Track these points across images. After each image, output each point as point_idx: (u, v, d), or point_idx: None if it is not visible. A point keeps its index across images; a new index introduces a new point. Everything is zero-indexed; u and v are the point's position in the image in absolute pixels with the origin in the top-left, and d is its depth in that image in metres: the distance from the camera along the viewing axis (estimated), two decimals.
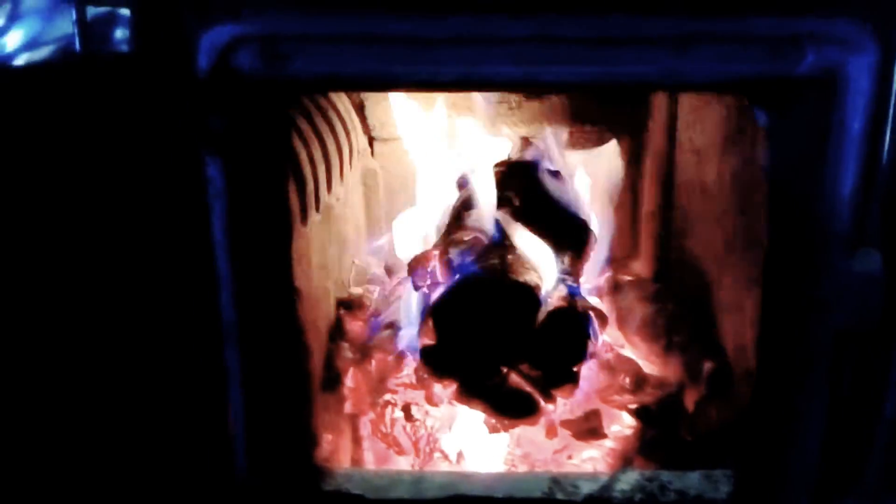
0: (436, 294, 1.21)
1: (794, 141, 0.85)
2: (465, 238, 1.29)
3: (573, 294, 1.19)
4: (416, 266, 1.26)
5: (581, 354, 1.16)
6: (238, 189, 0.86)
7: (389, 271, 1.86)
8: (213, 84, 0.79)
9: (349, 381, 1.40)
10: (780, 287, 0.91)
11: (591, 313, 1.18)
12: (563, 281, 1.22)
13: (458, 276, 1.18)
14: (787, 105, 0.84)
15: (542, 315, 1.15)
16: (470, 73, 0.80)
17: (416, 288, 1.27)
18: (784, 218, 0.89)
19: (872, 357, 0.87)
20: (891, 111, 0.78)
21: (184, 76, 0.78)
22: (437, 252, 1.27)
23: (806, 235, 0.86)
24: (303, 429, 1.02)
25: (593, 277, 1.63)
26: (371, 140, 2.15)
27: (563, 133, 1.93)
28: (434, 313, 1.16)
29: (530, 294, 1.14)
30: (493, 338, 1.15)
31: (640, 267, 2.06)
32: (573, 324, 1.15)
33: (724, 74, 0.80)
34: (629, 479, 1.00)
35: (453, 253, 1.24)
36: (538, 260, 1.23)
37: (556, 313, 1.14)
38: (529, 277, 1.17)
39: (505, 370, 1.17)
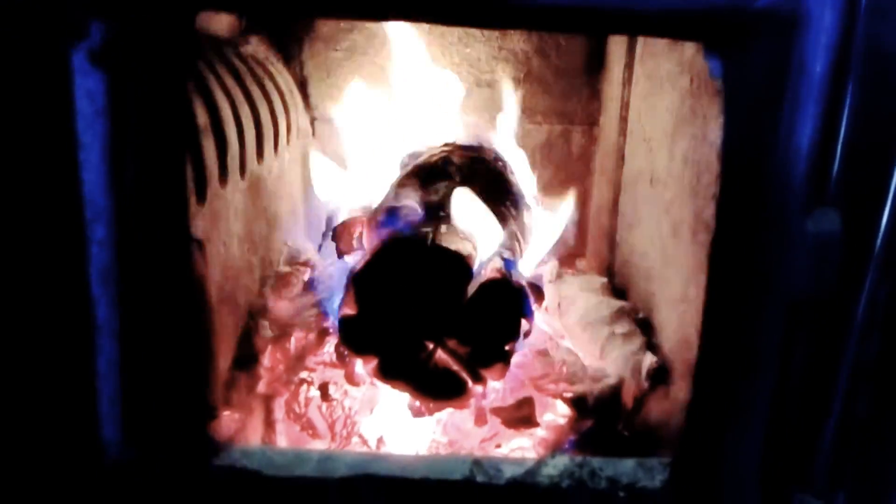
0: (360, 261, 1.10)
1: (750, 89, 0.77)
2: (398, 206, 1.19)
3: (508, 267, 1.09)
4: (343, 232, 1.16)
5: (514, 331, 1.06)
6: (125, 110, 0.74)
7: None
8: None
9: (266, 359, 1.29)
10: (730, 253, 0.83)
11: (527, 288, 1.08)
12: (498, 254, 1.12)
13: (383, 242, 1.07)
14: (742, 47, 0.76)
15: (473, 287, 1.05)
16: None
17: (340, 255, 1.17)
18: (736, 178, 0.81)
19: (826, 332, 0.80)
20: (855, 53, 0.71)
21: None
22: (364, 219, 1.17)
23: (759, 195, 0.78)
24: (196, 397, 0.90)
25: (536, 266, 1.56)
26: (313, 120, 2.07)
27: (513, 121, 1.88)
28: (356, 281, 1.06)
29: (461, 263, 1.04)
30: (419, 309, 1.05)
31: (588, 263, 2.00)
32: (506, 298, 1.05)
33: (676, 4, 0.72)
34: (557, 464, 0.91)
35: (382, 219, 1.14)
36: (473, 230, 1.14)
37: (488, 286, 1.05)
38: (462, 246, 1.07)
39: (431, 346, 1.07)
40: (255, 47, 1.84)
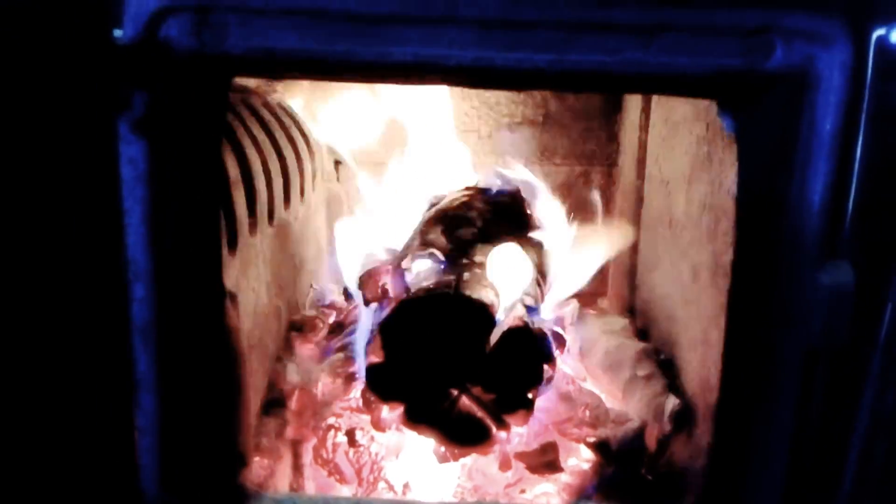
0: (386, 310, 1.13)
1: (762, 145, 0.80)
2: (422, 254, 1.22)
3: (531, 314, 1.12)
4: (368, 280, 1.19)
5: (537, 378, 1.08)
6: (163, 175, 0.79)
7: (349, 297, 1.80)
8: (137, 56, 0.73)
9: (293, 404, 1.31)
10: (746, 303, 0.85)
11: (549, 335, 1.11)
12: (521, 301, 1.15)
13: (409, 291, 1.10)
14: (754, 106, 0.79)
15: (496, 335, 1.08)
16: (419, 54, 0.74)
17: (367, 303, 1.20)
18: (751, 230, 0.84)
19: (843, 381, 0.81)
20: (864, 112, 0.73)
21: (102, 42, 0.72)
22: (390, 266, 1.20)
23: (774, 247, 0.80)
24: (228, 446, 0.93)
25: (557, 308, 1.57)
26: (337, 164, 2.12)
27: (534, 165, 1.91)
28: (382, 330, 1.09)
29: (484, 312, 1.07)
30: (444, 357, 1.08)
31: (609, 303, 2.01)
32: (529, 345, 1.07)
33: (690, 68, 0.75)
34: None
35: (407, 267, 1.17)
36: (496, 277, 1.16)
37: (511, 333, 1.07)
38: (485, 295, 1.10)
39: (455, 393, 1.09)
40: (281, 94, 1.89)
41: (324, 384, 1.32)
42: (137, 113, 0.76)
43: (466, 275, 1.16)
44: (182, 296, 0.83)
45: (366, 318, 1.26)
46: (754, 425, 0.87)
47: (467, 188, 1.66)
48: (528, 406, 1.08)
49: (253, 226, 1.29)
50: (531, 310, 1.15)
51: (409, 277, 1.17)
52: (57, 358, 0.79)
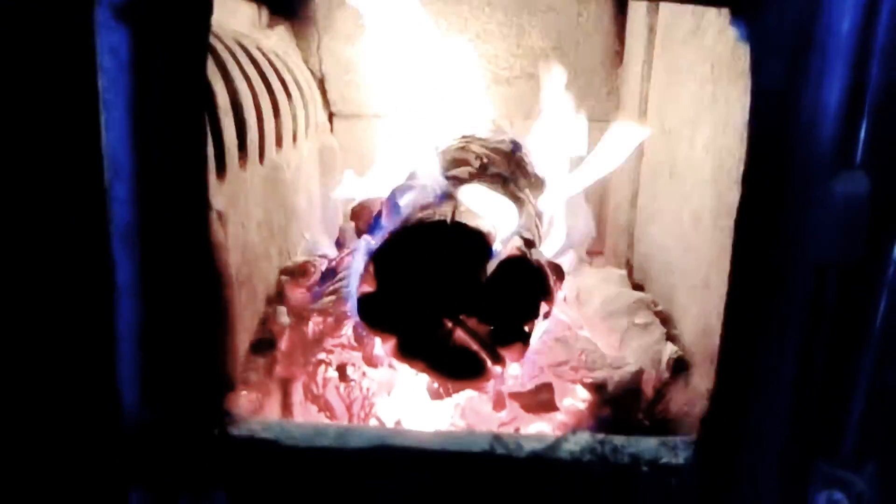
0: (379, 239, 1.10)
1: (776, 51, 0.76)
2: (417, 187, 1.18)
3: (529, 245, 1.08)
4: (361, 212, 1.16)
5: (534, 310, 1.05)
6: (147, 68, 0.75)
7: (341, 246, 1.76)
8: None
9: (283, 344, 1.28)
10: (756, 220, 0.81)
11: (547, 267, 1.07)
12: (518, 234, 1.12)
13: (403, 219, 1.07)
14: (768, 9, 0.75)
15: (493, 265, 1.04)
16: None
17: (359, 234, 1.16)
18: (763, 142, 0.80)
19: (854, 298, 0.78)
20: (883, 9, 0.70)
21: None
22: (384, 198, 1.16)
23: (787, 157, 0.77)
24: (213, 367, 0.89)
25: (555, 257, 1.54)
26: (331, 116, 2.08)
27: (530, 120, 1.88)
28: (376, 259, 1.05)
29: (481, 240, 1.03)
30: (439, 287, 1.04)
31: (606, 260, 1.99)
32: (526, 276, 1.04)
33: None
34: (579, 440, 0.89)
35: (401, 199, 1.13)
36: (492, 210, 1.13)
37: (507, 263, 1.04)
38: (482, 224, 1.06)
39: (450, 324, 1.05)
40: (275, 43, 1.85)
41: (314, 323, 1.29)
42: None
43: (462, 207, 1.12)
44: (166, 202, 0.79)
45: (359, 253, 1.23)
46: (762, 351, 0.84)
47: (464, 136, 1.63)
48: (525, 339, 1.05)
49: (243, 159, 1.25)
50: (529, 242, 1.11)
51: (403, 208, 1.13)
52: (28, 258, 0.76)
